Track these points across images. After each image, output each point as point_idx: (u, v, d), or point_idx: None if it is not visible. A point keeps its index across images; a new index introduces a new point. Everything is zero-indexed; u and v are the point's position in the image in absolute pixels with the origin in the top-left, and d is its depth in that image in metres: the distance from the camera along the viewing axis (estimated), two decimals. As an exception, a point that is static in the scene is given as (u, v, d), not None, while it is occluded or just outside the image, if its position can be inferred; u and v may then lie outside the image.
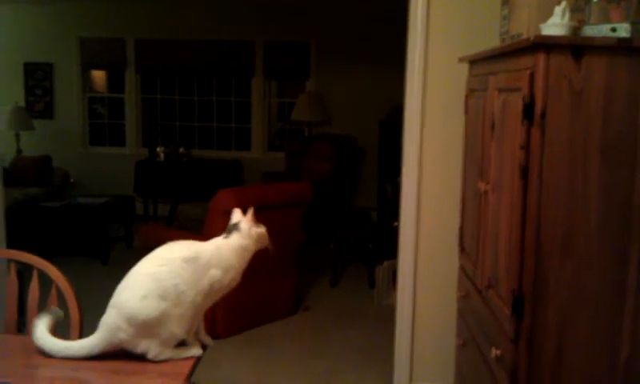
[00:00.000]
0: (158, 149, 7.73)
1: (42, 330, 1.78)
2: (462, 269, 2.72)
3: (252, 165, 8.04)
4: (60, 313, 1.86)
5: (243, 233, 1.89)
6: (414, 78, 3.15)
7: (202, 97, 8.37)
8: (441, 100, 3.14)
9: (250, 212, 1.93)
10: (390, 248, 5.13)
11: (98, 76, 8.62)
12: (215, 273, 1.82)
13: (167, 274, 1.76)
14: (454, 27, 3.08)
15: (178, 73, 8.27)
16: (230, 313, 4.23)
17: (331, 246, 5.45)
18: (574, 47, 1.71)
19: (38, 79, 8.33)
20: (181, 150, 7.83)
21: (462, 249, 2.73)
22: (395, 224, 5.08)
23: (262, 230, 1.94)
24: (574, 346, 1.81)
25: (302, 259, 5.36)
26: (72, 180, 7.84)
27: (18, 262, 2.18)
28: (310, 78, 7.91)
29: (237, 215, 1.95)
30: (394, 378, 3.38)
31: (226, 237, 1.90)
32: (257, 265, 4.19)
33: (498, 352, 2.03)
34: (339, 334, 4.36)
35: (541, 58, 1.72)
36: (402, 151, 3.33)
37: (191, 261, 1.80)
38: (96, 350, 1.76)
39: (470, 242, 2.57)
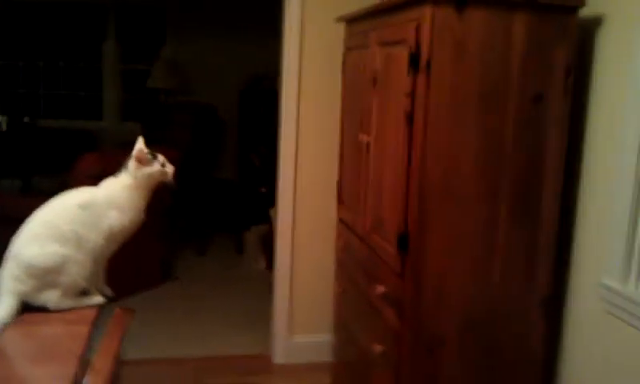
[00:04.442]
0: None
1: None
2: (341, 220, 2.84)
3: (105, 135, 7.65)
4: None
5: (130, 172, 1.86)
6: (291, 40, 3.19)
7: (47, 62, 7.79)
8: (319, 61, 3.20)
9: (139, 142, 1.89)
10: (256, 215, 5.18)
11: None
12: (112, 214, 1.80)
13: (64, 221, 1.73)
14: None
15: (20, 35, 7.61)
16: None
17: (196, 215, 5.39)
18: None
19: None
20: (25, 119, 7.25)
21: (341, 201, 2.85)
22: (263, 190, 5.14)
23: (150, 169, 1.86)
24: (453, 276, 2.00)
25: (168, 230, 5.24)
26: None
27: None
28: (167, 45, 7.66)
29: (138, 145, 1.88)
30: (273, 333, 3.45)
31: (117, 175, 1.87)
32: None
33: (383, 288, 2.17)
34: (211, 301, 4.34)
35: (428, 10, 1.85)
36: (278, 116, 3.35)
37: (87, 206, 1.78)
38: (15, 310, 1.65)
39: (349, 194, 2.69)
